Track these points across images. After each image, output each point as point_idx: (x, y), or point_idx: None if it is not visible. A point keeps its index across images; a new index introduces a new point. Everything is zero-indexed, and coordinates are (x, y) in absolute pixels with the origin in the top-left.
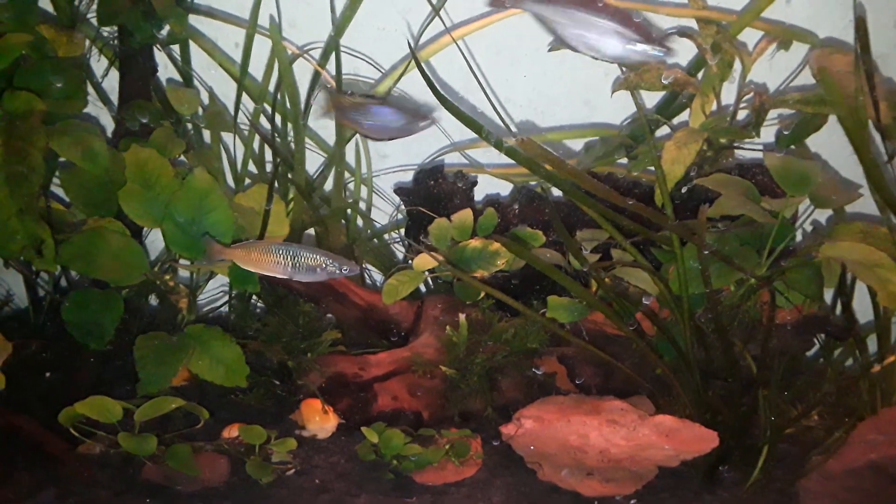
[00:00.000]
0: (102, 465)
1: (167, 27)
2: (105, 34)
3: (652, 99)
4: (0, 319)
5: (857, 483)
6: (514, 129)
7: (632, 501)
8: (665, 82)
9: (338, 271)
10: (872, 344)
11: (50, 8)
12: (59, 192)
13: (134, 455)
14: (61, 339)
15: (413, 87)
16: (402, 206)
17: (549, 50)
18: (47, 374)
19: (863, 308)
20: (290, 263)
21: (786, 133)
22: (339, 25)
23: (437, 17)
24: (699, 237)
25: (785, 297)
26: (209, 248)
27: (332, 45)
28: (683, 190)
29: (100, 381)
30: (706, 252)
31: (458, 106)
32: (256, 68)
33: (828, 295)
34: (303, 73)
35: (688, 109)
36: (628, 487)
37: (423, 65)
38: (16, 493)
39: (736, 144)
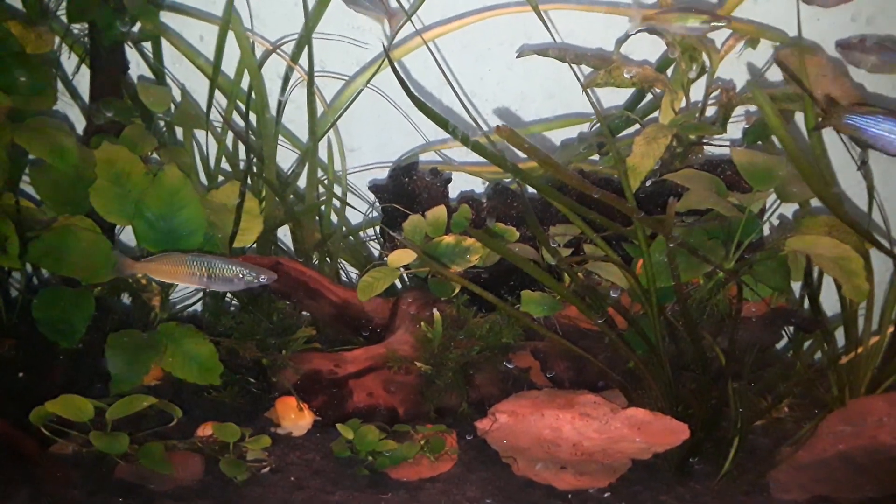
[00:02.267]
0: (75, 465)
1: (138, 24)
2: (75, 31)
3: (624, 96)
4: None
5: (826, 473)
6: (482, 124)
7: (605, 494)
8: (628, 77)
9: (255, 281)
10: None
11: (18, 4)
12: (30, 189)
13: (106, 454)
14: (33, 339)
15: (386, 83)
16: (377, 204)
17: (518, 56)
18: (19, 374)
19: (830, 301)
20: (206, 274)
21: (747, 126)
22: (311, 22)
23: (409, 20)
24: (666, 229)
25: (752, 289)
26: (119, 263)
27: (305, 40)
28: (648, 183)
29: (72, 380)
30: (673, 245)
31: (429, 104)
32: (230, 65)
33: (796, 288)
34: (276, 67)
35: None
36: (602, 480)
37: (395, 63)
38: None
39: (705, 140)
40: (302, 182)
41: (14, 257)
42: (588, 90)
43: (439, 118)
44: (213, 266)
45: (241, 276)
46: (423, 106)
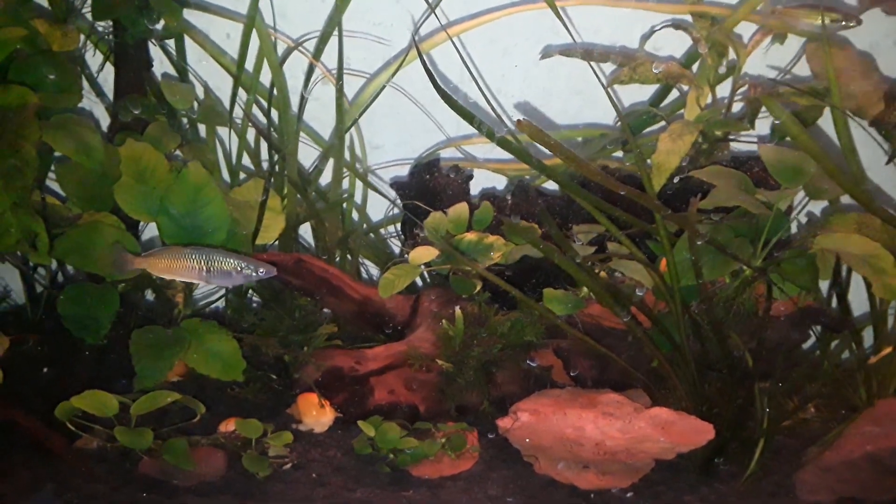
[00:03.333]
0: (100, 460)
1: (162, 21)
2: (100, 29)
3: (649, 93)
4: None
5: (853, 475)
6: (507, 121)
7: (628, 494)
8: (656, 72)
9: (254, 274)
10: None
11: (44, 2)
12: (56, 186)
13: (131, 449)
14: (58, 334)
15: (407, 80)
16: (398, 201)
17: (541, 58)
18: (44, 369)
19: (859, 300)
20: (204, 268)
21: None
22: (333, 18)
23: (432, 14)
24: (690, 226)
25: (780, 288)
26: (118, 260)
27: (328, 37)
28: (676, 180)
29: (97, 376)
30: (699, 242)
31: (455, 98)
32: (251, 60)
33: (823, 287)
34: (301, 64)
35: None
36: (625, 480)
37: (423, 57)
38: (14, 488)
39: (731, 137)
40: (324, 179)
41: (44, 254)
42: (612, 88)
43: (465, 112)
44: (211, 259)
45: (239, 269)
46: (450, 99)
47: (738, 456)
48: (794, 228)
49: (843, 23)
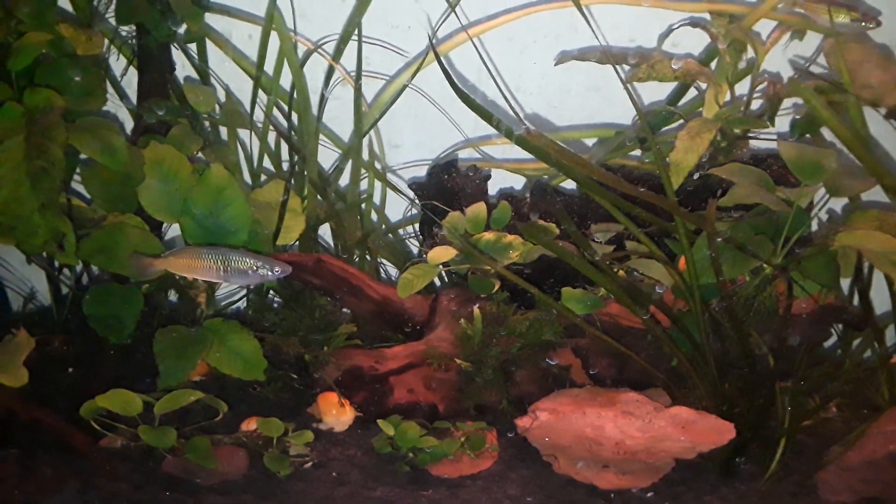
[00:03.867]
0: (124, 458)
1: (185, 25)
2: (123, 33)
3: (667, 91)
4: (24, 315)
5: (876, 475)
6: (524, 119)
7: (648, 494)
8: (675, 67)
9: (269, 273)
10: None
11: (69, 7)
12: (81, 188)
13: (154, 448)
14: (83, 334)
15: (425, 81)
16: (417, 201)
17: (556, 64)
18: (70, 369)
19: (881, 298)
20: (221, 267)
21: (797, 118)
22: (351, 20)
23: (451, 13)
24: (708, 225)
25: (801, 286)
26: (137, 264)
27: (348, 38)
28: (695, 176)
29: (121, 375)
30: (718, 240)
31: (472, 97)
32: (272, 63)
33: (845, 285)
34: (322, 64)
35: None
36: (645, 480)
37: (441, 59)
38: (39, 486)
39: (750, 134)
40: (343, 180)
41: (71, 254)
42: (630, 87)
43: (483, 111)
44: (229, 259)
45: (255, 268)
46: (468, 98)
47: (758, 456)
48: (814, 226)
49: (863, 23)
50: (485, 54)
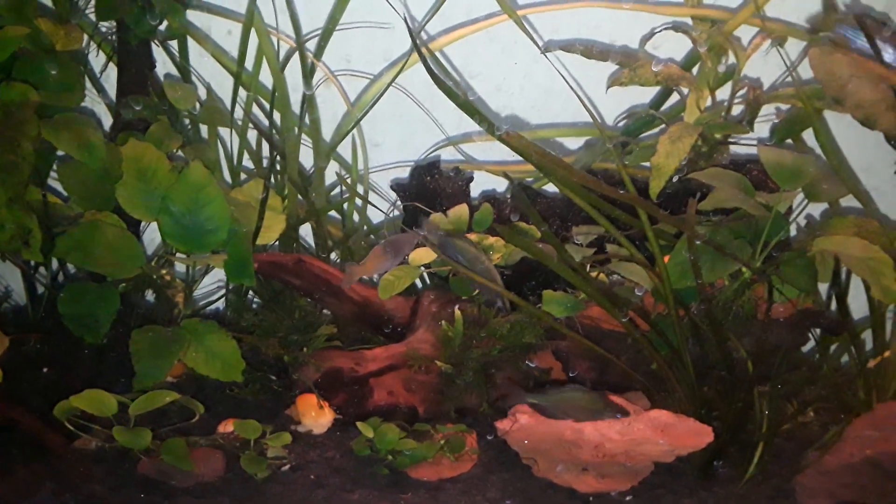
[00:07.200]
0: (98, 460)
1: (165, 22)
2: (103, 29)
3: (650, 94)
4: None
5: (853, 479)
6: (507, 119)
7: (627, 497)
8: (655, 69)
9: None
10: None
11: (48, 1)
12: (58, 185)
13: (129, 449)
14: (59, 334)
15: (410, 80)
16: (399, 202)
17: (543, 52)
18: (45, 369)
19: (858, 303)
20: None
21: (776, 122)
22: (332, 19)
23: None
24: (688, 228)
25: (779, 290)
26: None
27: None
28: (675, 179)
29: (96, 375)
30: (698, 243)
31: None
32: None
33: (823, 289)
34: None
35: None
36: (624, 483)
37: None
38: (13, 488)
39: (731, 140)
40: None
41: (36, 251)
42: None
43: (468, 107)
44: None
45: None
46: (453, 94)
47: (737, 459)
48: (793, 231)
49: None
50: (468, 54)
